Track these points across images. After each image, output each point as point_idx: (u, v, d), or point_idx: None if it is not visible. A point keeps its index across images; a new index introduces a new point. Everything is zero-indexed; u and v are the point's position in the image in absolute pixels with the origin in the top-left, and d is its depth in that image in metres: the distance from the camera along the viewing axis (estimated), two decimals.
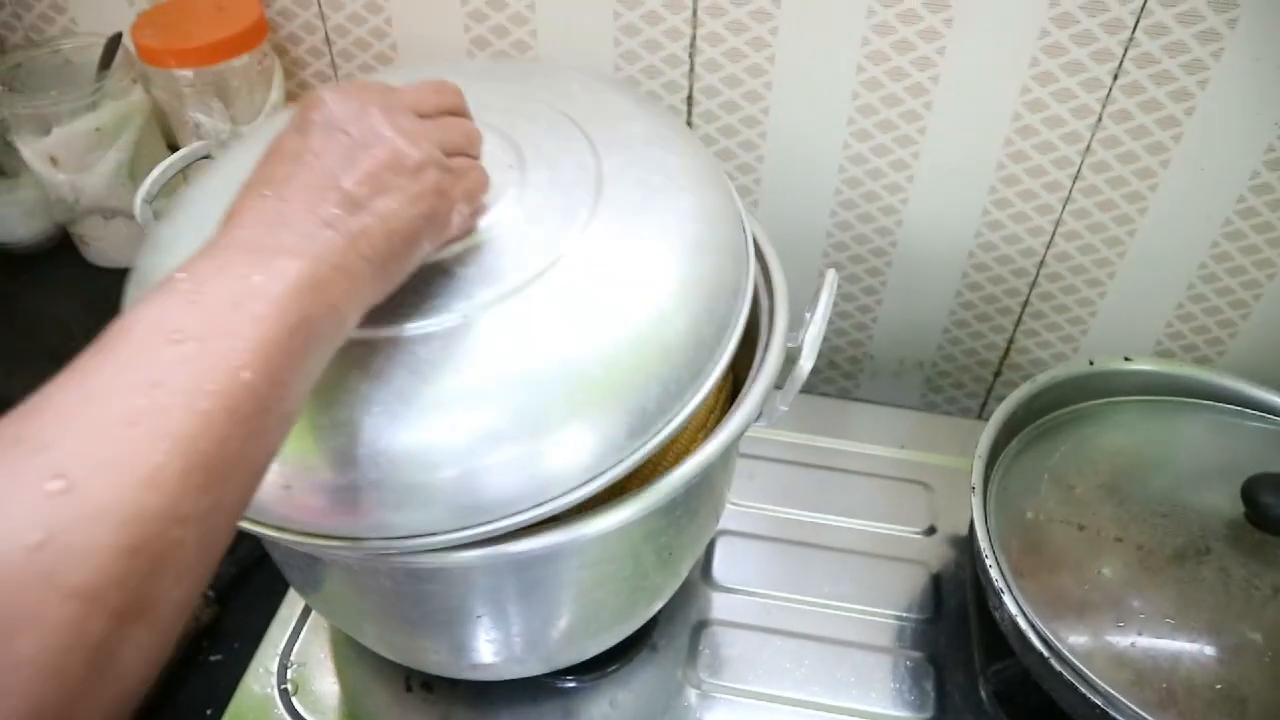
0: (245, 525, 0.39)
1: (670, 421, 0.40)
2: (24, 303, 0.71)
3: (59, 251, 0.73)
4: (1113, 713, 0.46)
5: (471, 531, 0.37)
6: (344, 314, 0.32)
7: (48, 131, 0.65)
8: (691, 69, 0.69)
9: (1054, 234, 0.73)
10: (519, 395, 0.37)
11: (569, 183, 0.43)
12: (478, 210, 0.40)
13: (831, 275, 0.45)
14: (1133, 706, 0.45)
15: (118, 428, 0.25)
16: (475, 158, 0.40)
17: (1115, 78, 0.63)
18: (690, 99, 0.71)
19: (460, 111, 0.41)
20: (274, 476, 0.37)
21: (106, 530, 0.23)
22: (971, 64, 0.65)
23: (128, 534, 0.24)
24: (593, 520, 0.39)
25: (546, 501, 0.37)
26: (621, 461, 0.38)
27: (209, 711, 0.62)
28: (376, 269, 0.33)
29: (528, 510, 0.37)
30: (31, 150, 0.65)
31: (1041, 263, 0.75)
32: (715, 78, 0.69)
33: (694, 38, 0.67)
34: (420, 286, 0.38)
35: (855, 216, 0.75)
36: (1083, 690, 0.47)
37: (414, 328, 0.38)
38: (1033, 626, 0.49)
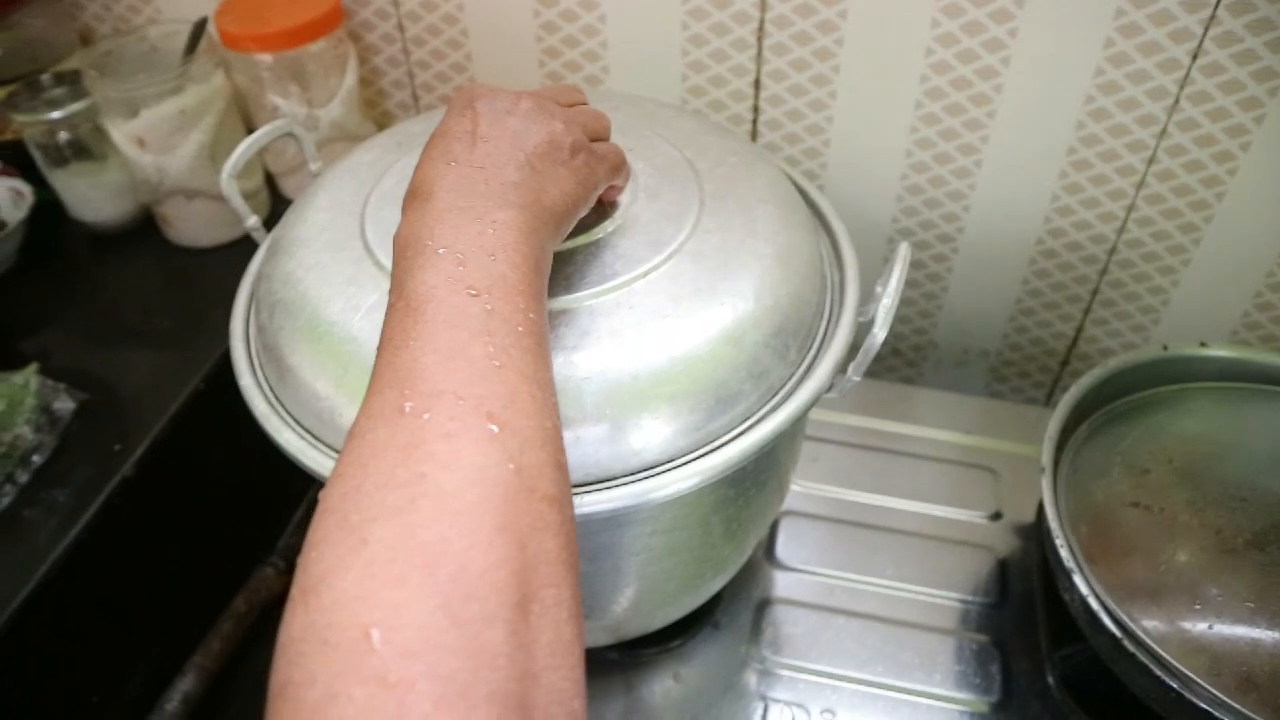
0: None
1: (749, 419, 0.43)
2: (109, 281, 0.73)
3: (142, 231, 0.75)
4: (1189, 696, 0.45)
5: None
6: (549, 255, 0.36)
7: (135, 114, 0.67)
8: (759, 52, 0.69)
9: (1126, 219, 0.71)
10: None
11: (675, 200, 0.47)
12: (618, 186, 0.45)
13: (905, 247, 0.45)
14: (1211, 690, 0.44)
15: (489, 371, 0.30)
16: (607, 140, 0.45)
17: (1194, 58, 0.62)
18: (758, 83, 0.71)
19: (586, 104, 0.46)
20: None
21: (541, 451, 0.30)
22: (1044, 46, 0.64)
23: (550, 452, 0.30)
24: (663, 483, 0.40)
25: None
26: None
27: None
28: (555, 224, 0.37)
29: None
30: (120, 132, 0.68)
31: (1113, 249, 0.74)
32: (782, 61, 0.69)
33: (761, 21, 0.68)
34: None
35: (921, 202, 0.75)
36: (1158, 673, 0.46)
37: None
38: (1105, 607, 0.48)
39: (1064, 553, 0.51)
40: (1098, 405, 0.60)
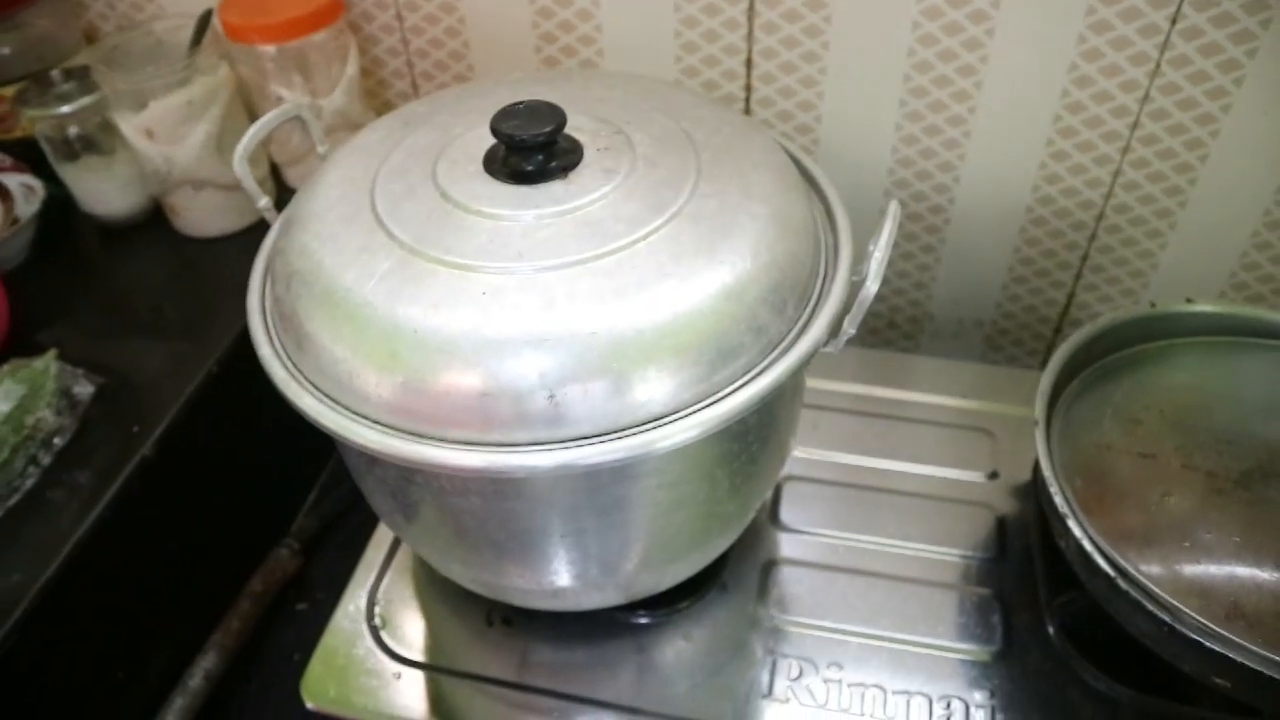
0: (361, 442, 0.42)
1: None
2: (120, 271, 0.75)
3: (152, 223, 0.77)
4: (1180, 628, 0.47)
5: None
6: None
7: (144, 106, 0.69)
8: (750, 31, 0.71)
9: (1113, 185, 0.73)
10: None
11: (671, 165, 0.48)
12: None
13: (894, 205, 0.47)
14: (1200, 619, 0.46)
15: None
16: None
17: (1173, 22, 0.64)
18: (749, 61, 0.73)
19: None
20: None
21: None
22: (1027, 15, 0.66)
23: None
24: (668, 433, 0.41)
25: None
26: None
27: (296, 656, 0.65)
28: None
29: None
30: (129, 125, 0.69)
31: (1100, 215, 0.75)
32: (773, 39, 0.71)
33: (751, 2, 0.69)
34: (545, 234, 0.44)
35: (912, 174, 0.76)
36: (1150, 608, 0.48)
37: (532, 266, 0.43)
38: (1098, 549, 0.50)
39: (1058, 500, 0.53)
40: (1089, 361, 0.62)
